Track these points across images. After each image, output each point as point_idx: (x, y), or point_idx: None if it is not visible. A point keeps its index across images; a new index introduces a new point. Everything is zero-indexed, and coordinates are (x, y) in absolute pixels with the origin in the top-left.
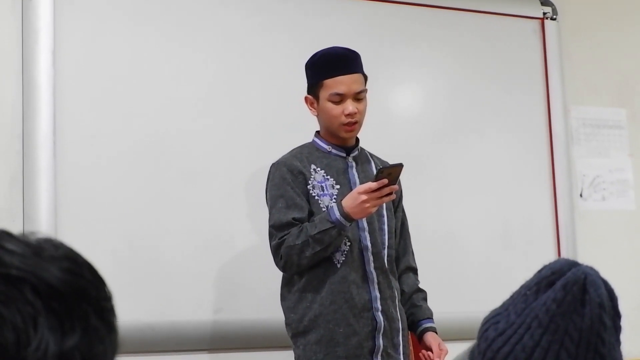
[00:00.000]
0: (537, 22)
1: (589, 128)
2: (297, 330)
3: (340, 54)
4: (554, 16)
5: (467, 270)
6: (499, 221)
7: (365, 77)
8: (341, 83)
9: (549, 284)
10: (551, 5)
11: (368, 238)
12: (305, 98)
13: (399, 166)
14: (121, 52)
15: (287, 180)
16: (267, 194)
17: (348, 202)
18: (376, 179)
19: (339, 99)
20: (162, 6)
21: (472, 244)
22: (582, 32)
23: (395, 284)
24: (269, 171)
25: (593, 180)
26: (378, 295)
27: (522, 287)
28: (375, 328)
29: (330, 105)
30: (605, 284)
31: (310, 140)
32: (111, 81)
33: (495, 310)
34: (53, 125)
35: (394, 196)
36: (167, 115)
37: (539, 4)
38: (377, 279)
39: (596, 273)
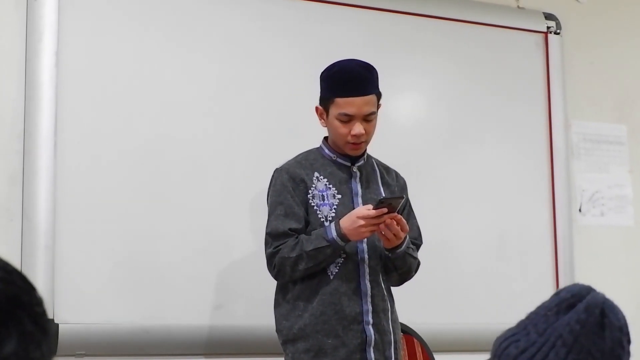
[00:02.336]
0: (540, 36)
1: (590, 143)
2: (287, 338)
3: (356, 72)
4: (558, 30)
5: (462, 280)
6: (497, 232)
7: (379, 95)
8: (352, 105)
9: (570, 306)
10: (555, 19)
11: (366, 250)
12: (316, 108)
13: (400, 198)
14: (124, 54)
15: (287, 188)
16: (268, 199)
17: (346, 223)
18: (376, 207)
19: (348, 119)
20: (166, 9)
21: (468, 254)
22: (585, 47)
23: (390, 295)
24: (272, 176)
25: (592, 196)
26: (370, 308)
27: (540, 307)
28: (365, 341)
29: (337, 123)
30: (620, 310)
31: (314, 144)
32: (113, 83)
33: (511, 329)
34: (54, 125)
35: (393, 223)
36: (168, 118)
37: (543, 17)
38: (371, 292)
39: (611, 299)
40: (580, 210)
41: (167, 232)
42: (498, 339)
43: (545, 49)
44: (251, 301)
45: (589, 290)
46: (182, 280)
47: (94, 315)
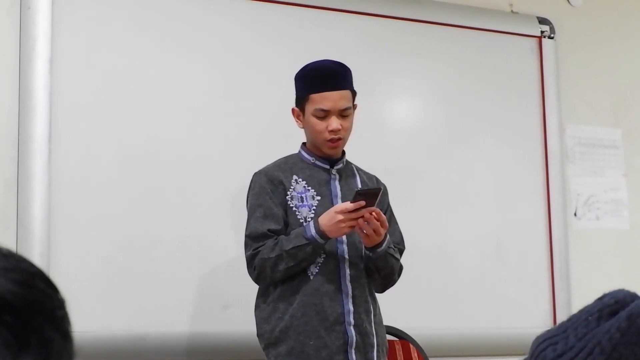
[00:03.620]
0: (534, 40)
1: (584, 147)
2: (269, 341)
3: (329, 69)
4: (552, 34)
5: (458, 285)
6: (493, 237)
7: (354, 93)
8: (327, 99)
9: (612, 312)
10: (549, 23)
11: (346, 250)
12: (292, 110)
13: (377, 190)
14: (118, 61)
15: (266, 190)
16: (247, 202)
17: (324, 220)
18: (353, 200)
19: (324, 114)
20: (159, 16)
21: (464, 259)
22: (579, 51)
23: (373, 297)
24: (251, 179)
25: (587, 200)
26: (352, 309)
27: (582, 311)
28: (346, 342)
29: (314, 120)
30: None
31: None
32: (107, 89)
33: (551, 331)
34: (48, 131)
35: (372, 218)
36: (162, 124)
37: (537, 22)
38: (353, 292)
39: None
40: (575, 214)
41: (162, 238)
42: (537, 339)
43: (539, 53)
44: (248, 306)
45: (633, 297)
46: (178, 287)
47: (89, 323)
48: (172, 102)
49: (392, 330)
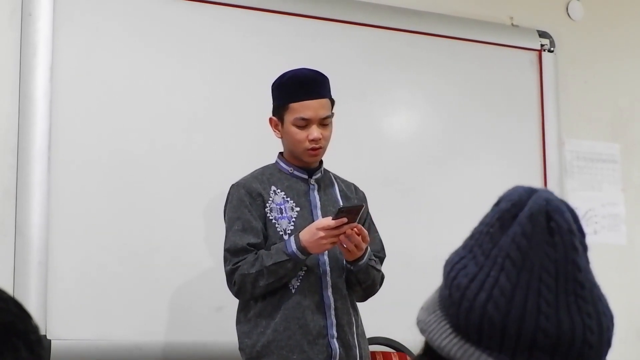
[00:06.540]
0: (534, 54)
1: (583, 161)
2: (250, 356)
3: (309, 77)
4: (552, 48)
5: None
6: None
7: (333, 102)
8: (307, 108)
9: (512, 217)
10: (549, 37)
11: (327, 262)
12: (270, 119)
13: (360, 207)
14: (118, 69)
15: (244, 203)
16: (225, 215)
17: (306, 236)
18: (335, 217)
19: (305, 123)
20: (160, 24)
21: None
22: (578, 65)
23: (355, 309)
24: (229, 192)
25: (585, 214)
26: (334, 321)
27: (482, 224)
28: (330, 356)
29: (294, 129)
30: (567, 204)
31: (273, 160)
32: (107, 97)
33: (459, 252)
34: (48, 140)
35: (353, 233)
36: (162, 132)
37: (537, 35)
38: (335, 305)
39: (555, 197)
40: None
41: (162, 246)
42: (447, 264)
43: (539, 66)
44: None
45: (529, 193)
46: (177, 295)
47: (87, 332)
48: (172, 111)
49: (389, 342)
